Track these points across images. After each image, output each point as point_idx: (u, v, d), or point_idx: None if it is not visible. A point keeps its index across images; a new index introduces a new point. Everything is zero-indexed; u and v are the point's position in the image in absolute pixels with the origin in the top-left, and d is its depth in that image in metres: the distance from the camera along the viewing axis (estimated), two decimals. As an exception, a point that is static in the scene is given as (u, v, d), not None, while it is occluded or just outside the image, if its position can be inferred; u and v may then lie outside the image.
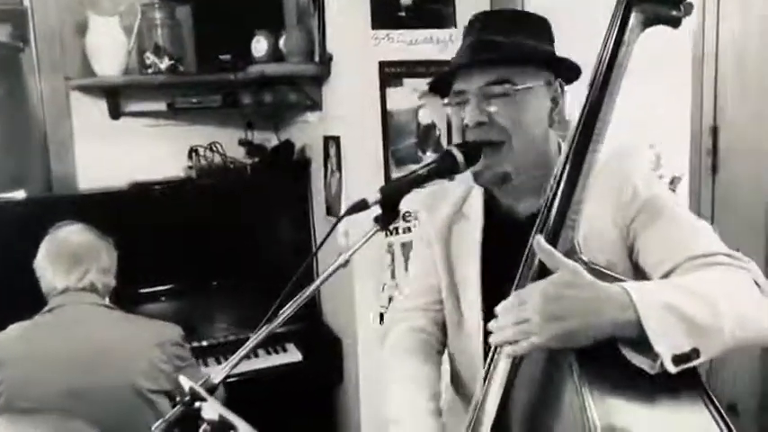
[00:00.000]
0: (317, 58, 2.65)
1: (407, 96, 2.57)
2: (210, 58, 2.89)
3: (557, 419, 0.99)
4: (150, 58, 2.82)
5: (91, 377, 1.74)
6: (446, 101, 1.35)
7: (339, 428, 2.96)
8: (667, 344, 0.90)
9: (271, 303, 1.23)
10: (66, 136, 2.93)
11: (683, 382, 0.94)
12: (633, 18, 1.04)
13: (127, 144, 2.97)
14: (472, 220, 1.39)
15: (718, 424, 0.93)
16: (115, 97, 2.95)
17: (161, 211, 2.84)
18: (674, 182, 2.28)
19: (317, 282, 1.26)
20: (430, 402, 1.36)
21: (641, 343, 0.91)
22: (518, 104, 1.25)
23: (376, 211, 1.26)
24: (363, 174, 2.52)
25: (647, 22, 1.05)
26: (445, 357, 1.52)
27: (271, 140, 3.19)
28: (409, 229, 2.62)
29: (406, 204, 2.71)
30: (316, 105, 2.79)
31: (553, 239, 1.04)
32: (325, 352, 2.84)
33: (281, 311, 1.26)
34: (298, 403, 2.72)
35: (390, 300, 2.63)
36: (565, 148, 1.09)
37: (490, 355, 1.12)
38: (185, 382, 1.08)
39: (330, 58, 2.61)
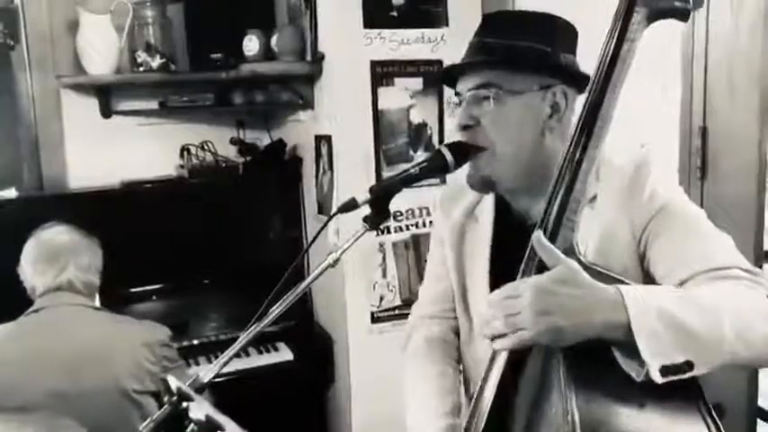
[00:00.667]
0: (308, 57, 2.65)
1: (399, 95, 2.57)
2: (202, 56, 2.88)
3: (543, 421, 0.98)
4: (142, 56, 2.81)
5: (76, 379, 1.74)
6: (451, 101, 1.34)
7: (330, 428, 2.96)
8: (657, 353, 0.88)
9: (262, 302, 1.23)
10: (57, 134, 2.93)
11: (679, 390, 0.92)
12: (637, 12, 1.01)
13: (118, 143, 2.96)
14: (483, 224, 1.37)
15: None
16: (106, 96, 2.94)
17: (152, 211, 2.83)
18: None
19: (307, 281, 1.26)
20: (444, 419, 1.33)
21: (631, 348, 0.90)
22: (503, 110, 1.21)
23: (367, 210, 1.25)
24: (354, 173, 2.52)
25: (653, 17, 1.02)
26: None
27: (263, 139, 3.18)
28: (401, 229, 2.62)
29: (397, 204, 2.72)
30: (307, 104, 2.79)
31: (551, 239, 1.03)
32: (316, 351, 2.84)
33: (270, 310, 1.26)
34: (289, 403, 2.71)
35: (382, 299, 2.63)
36: (565, 147, 1.08)
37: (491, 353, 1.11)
38: (173, 382, 1.08)
39: (322, 57, 2.61)
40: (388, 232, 2.61)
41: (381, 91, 2.55)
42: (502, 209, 1.36)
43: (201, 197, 2.93)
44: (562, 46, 1.25)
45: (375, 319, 2.63)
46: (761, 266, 1.68)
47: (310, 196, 2.91)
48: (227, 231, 2.93)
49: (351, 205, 1.25)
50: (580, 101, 1.17)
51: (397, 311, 2.64)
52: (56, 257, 1.87)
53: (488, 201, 1.38)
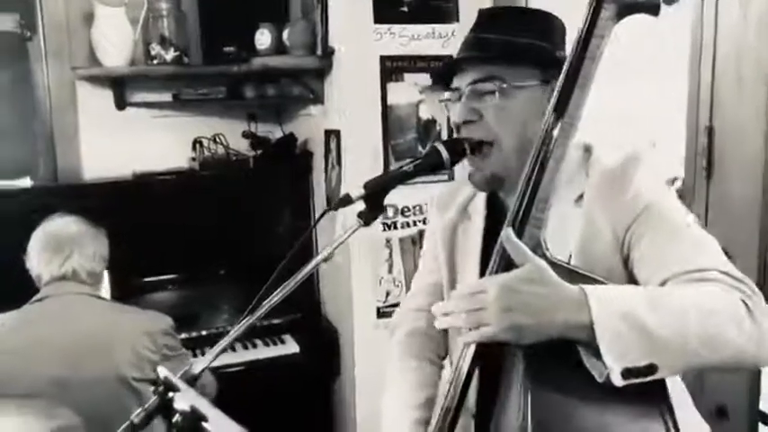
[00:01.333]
0: (319, 52, 2.66)
1: (408, 91, 2.56)
2: (215, 49, 2.90)
3: (504, 418, 0.99)
4: (156, 49, 2.84)
5: (77, 366, 1.76)
6: (444, 96, 1.32)
7: (336, 422, 2.98)
8: (619, 355, 0.88)
9: (270, 293, 1.24)
10: (72, 125, 2.97)
11: (643, 391, 0.91)
12: (605, 9, 1.01)
13: (132, 134, 3.00)
14: (475, 221, 1.37)
15: None
16: (121, 88, 2.97)
17: (164, 202, 2.86)
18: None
19: (300, 276, 1.26)
20: (415, 411, 1.35)
21: (595, 349, 0.89)
22: (507, 103, 1.21)
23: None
24: (362, 168, 2.52)
25: (622, 12, 1.02)
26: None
27: (275, 133, 3.20)
28: (408, 225, 2.62)
29: (404, 199, 2.72)
30: (318, 99, 2.80)
31: (519, 236, 1.03)
32: (322, 345, 2.85)
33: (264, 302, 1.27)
34: (294, 395, 2.74)
35: (388, 294, 2.64)
36: (535, 145, 1.07)
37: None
38: (161, 372, 1.09)
39: (332, 52, 2.61)
40: (395, 228, 2.61)
41: (391, 86, 2.55)
42: (494, 207, 1.35)
43: (212, 189, 2.95)
44: (557, 42, 1.25)
45: (381, 314, 2.63)
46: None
47: (320, 190, 2.92)
48: (239, 223, 2.95)
49: (346, 201, 1.26)
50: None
51: (403, 307, 2.64)
52: (61, 247, 1.90)
53: (480, 198, 1.38)
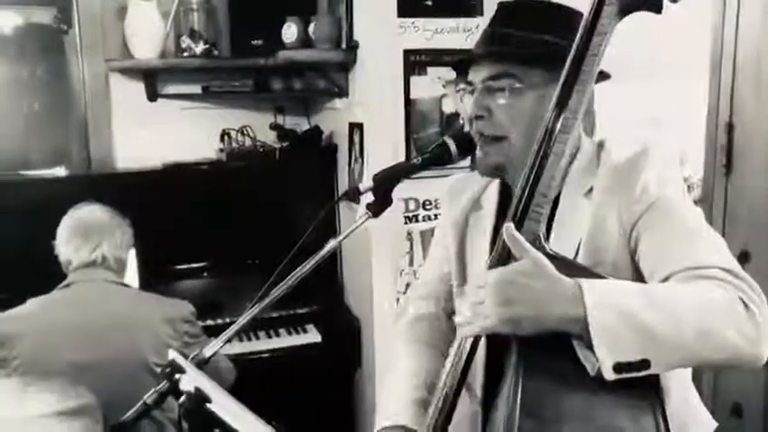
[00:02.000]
0: (343, 46, 2.68)
1: (431, 85, 2.57)
2: (244, 42, 2.95)
3: (500, 403, 1.01)
4: (186, 41, 2.90)
5: (100, 351, 1.83)
6: (458, 87, 1.32)
7: (356, 413, 3.01)
8: (612, 349, 0.89)
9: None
10: (105, 116, 3.05)
11: (636, 385, 0.92)
12: (608, 5, 1.00)
13: (162, 125, 3.06)
14: (486, 212, 1.37)
15: None
16: (152, 80, 3.04)
17: (193, 192, 2.92)
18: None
19: (308, 267, 1.29)
20: (415, 391, 1.35)
21: (589, 342, 0.90)
22: (517, 101, 1.20)
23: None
24: (383, 161, 2.52)
25: (625, 9, 1.01)
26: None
27: (302, 125, 3.23)
28: (429, 218, 2.63)
29: (425, 193, 2.72)
30: (342, 92, 2.83)
31: (518, 229, 1.03)
32: (344, 335, 2.89)
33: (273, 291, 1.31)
34: (315, 385, 2.77)
35: (408, 286, 2.66)
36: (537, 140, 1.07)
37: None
38: (171, 355, 1.13)
39: (356, 46, 2.63)
40: (417, 221, 2.63)
41: (414, 80, 2.56)
42: (506, 197, 1.35)
43: (239, 180, 3.00)
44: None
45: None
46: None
47: (344, 182, 2.96)
48: (265, 214, 2.99)
49: (353, 193, 1.29)
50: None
51: (423, 299, 2.66)
52: (90, 234, 1.97)
53: (493, 189, 1.38)
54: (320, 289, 2.82)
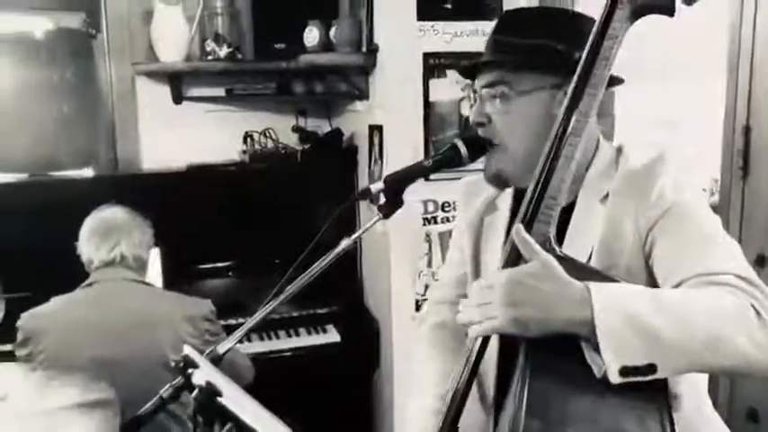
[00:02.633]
0: (364, 49, 2.71)
1: (450, 88, 2.59)
2: (267, 46, 3.00)
3: (508, 402, 1.02)
4: (210, 45, 2.96)
5: (120, 347, 1.88)
6: (470, 93, 1.36)
7: (374, 414, 3.03)
8: (619, 353, 0.89)
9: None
10: (132, 119, 3.11)
11: (644, 389, 0.92)
12: (620, 9, 1.01)
13: (187, 127, 3.12)
14: (502, 213, 1.38)
15: None
16: (178, 83, 3.10)
17: (217, 193, 2.97)
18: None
19: (321, 265, 1.32)
20: (437, 401, 1.36)
21: (596, 344, 0.91)
22: (511, 108, 1.21)
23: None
24: (403, 162, 2.50)
25: (637, 13, 1.01)
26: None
27: (323, 128, 3.27)
28: (447, 219, 2.65)
29: (444, 195, 2.73)
30: (363, 95, 2.86)
31: (528, 231, 1.04)
32: (363, 336, 2.91)
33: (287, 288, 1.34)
34: (334, 385, 2.80)
35: (426, 288, 2.67)
36: (547, 143, 1.08)
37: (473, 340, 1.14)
38: (185, 350, 1.17)
39: (376, 49, 2.66)
40: (435, 222, 2.65)
41: (433, 83, 2.58)
42: (520, 199, 1.36)
43: (262, 182, 3.04)
44: (580, 43, 1.19)
45: (420, 307, 2.68)
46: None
47: (364, 184, 2.98)
48: (287, 215, 3.03)
49: (365, 194, 1.31)
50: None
51: (441, 301, 2.67)
52: (109, 233, 2.02)
53: (509, 191, 1.38)
54: (340, 290, 2.85)
